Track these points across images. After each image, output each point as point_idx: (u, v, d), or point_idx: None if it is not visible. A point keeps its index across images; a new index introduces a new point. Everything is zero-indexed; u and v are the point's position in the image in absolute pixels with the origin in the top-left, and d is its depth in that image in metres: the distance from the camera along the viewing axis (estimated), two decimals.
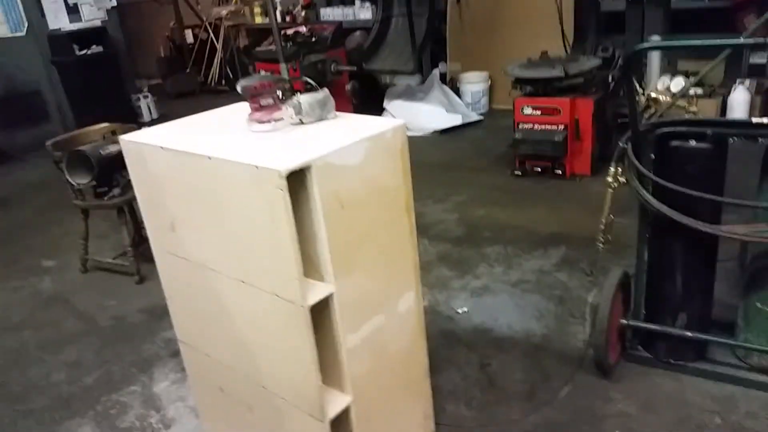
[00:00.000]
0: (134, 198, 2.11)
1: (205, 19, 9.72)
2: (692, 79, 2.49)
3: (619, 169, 2.42)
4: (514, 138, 4.65)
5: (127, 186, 3.27)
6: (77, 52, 7.01)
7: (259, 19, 8.82)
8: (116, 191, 3.68)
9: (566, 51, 5.24)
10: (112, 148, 3.48)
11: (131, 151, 1.99)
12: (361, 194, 1.69)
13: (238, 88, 1.84)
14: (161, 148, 1.83)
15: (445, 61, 6.99)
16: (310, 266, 1.65)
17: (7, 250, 4.53)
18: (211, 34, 9.58)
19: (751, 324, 2.38)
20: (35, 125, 7.04)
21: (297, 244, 1.54)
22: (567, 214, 4.03)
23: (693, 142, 2.19)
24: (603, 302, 2.43)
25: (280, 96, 1.86)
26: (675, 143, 2.22)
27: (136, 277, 3.74)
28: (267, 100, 1.80)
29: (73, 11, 7.39)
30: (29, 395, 2.86)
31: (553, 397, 2.46)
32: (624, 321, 2.52)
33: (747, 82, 4.78)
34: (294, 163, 1.49)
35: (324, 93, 1.86)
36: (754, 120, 2.11)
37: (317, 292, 1.64)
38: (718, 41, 2.09)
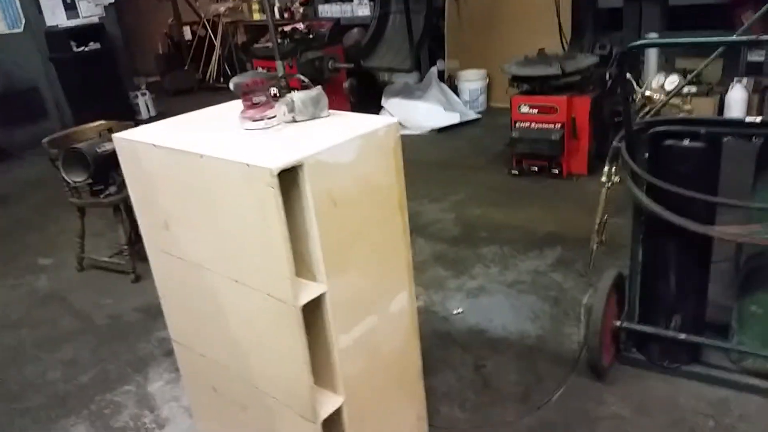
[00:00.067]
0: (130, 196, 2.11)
1: (203, 15, 9.69)
2: (686, 78, 2.47)
3: (614, 169, 2.42)
4: (510, 137, 4.65)
5: (123, 184, 3.24)
6: (75, 49, 6.99)
7: (257, 16, 8.81)
8: (112, 189, 3.67)
9: (563, 48, 5.22)
10: (108, 146, 3.47)
11: (124, 149, 1.98)
12: (354, 192, 1.69)
13: (231, 86, 1.84)
14: (154, 145, 1.83)
15: (443, 59, 6.97)
16: (302, 265, 1.65)
17: (5, 247, 4.53)
18: (210, 31, 9.56)
19: (745, 326, 2.38)
20: (33, 122, 7.03)
21: (288, 243, 1.54)
22: (563, 214, 4.03)
23: (687, 142, 2.19)
24: (596, 304, 2.42)
25: (277, 93, 1.85)
26: (669, 142, 2.22)
27: (131, 275, 3.74)
28: (260, 98, 1.80)
29: (70, 8, 7.37)
30: (26, 393, 2.86)
31: (546, 399, 2.46)
32: (618, 323, 2.52)
33: (744, 80, 4.78)
34: (285, 161, 1.48)
35: (317, 91, 1.85)
36: (748, 119, 2.10)
37: (309, 291, 1.64)
38: (712, 38, 2.09)
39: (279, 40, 5.76)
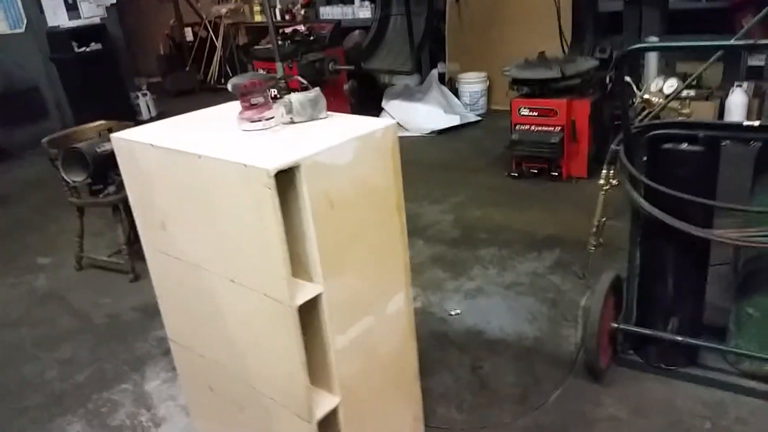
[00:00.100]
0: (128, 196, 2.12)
1: (204, 17, 9.71)
2: (685, 82, 2.47)
3: (612, 172, 2.42)
4: (510, 139, 4.65)
5: (123, 184, 3.25)
6: (76, 50, 6.99)
7: (258, 17, 8.83)
8: (111, 189, 3.68)
9: (564, 52, 5.23)
10: (107, 146, 3.48)
11: (122, 149, 1.99)
12: (351, 194, 1.69)
13: (229, 87, 1.84)
14: (151, 145, 1.83)
15: (444, 61, 6.98)
16: (299, 266, 1.65)
17: (4, 247, 4.53)
18: (211, 32, 9.58)
19: (742, 329, 2.38)
20: (34, 122, 7.04)
21: (285, 244, 1.54)
22: (563, 216, 4.03)
23: (685, 145, 2.19)
24: (594, 306, 2.42)
25: (276, 94, 1.86)
26: (667, 146, 2.22)
27: (130, 275, 3.74)
28: (258, 99, 1.80)
29: (72, 8, 7.38)
30: (24, 392, 2.87)
31: (544, 400, 2.46)
32: (615, 325, 2.52)
33: (745, 84, 4.78)
34: (282, 162, 1.49)
35: (315, 92, 1.86)
36: (745, 123, 2.11)
37: (306, 292, 1.64)
38: (709, 42, 2.09)
39: (280, 42, 5.77)
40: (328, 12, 7.58)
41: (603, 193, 2.58)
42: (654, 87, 2.51)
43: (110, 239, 4.07)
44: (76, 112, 7.07)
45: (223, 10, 9.39)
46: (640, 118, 2.56)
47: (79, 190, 3.72)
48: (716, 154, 2.22)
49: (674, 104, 2.60)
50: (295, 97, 1.82)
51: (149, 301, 3.32)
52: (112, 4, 7.80)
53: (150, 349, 3.07)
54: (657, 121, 2.38)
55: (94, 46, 7.15)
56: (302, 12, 7.89)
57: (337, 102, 5.84)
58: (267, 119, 1.80)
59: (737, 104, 4.70)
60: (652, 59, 4.83)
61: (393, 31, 6.52)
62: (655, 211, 2.18)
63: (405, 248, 1.94)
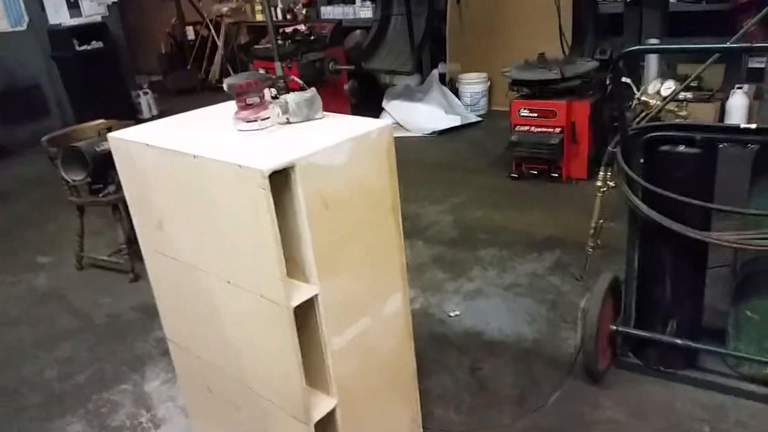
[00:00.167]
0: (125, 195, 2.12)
1: (206, 15, 9.71)
2: (682, 84, 2.47)
3: (609, 174, 2.42)
4: (510, 140, 4.65)
5: None
6: (77, 48, 6.99)
7: (259, 17, 8.82)
8: (111, 188, 3.68)
9: (564, 53, 5.23)
10: (107, 145, 3.44)
11: (119, 149, 1.99)
12: (346, 194, 1.69)
13: (225, 86, 1.85)
14: (147, 145, 1.83)
15: (445, 62, 6.98)
16: (294, 267, 1.65)
17: (4, 245, 4.54)
18: (212, 31, 9.58)
19: (741, 332, 2.38)
20: (35, 120, 7.04)
21: (280, 245, 1.54)
22: (562, 218, 4.03)
23: (682, 147, 2.19)
24: (592, 308, 2.42)
25: (275, 94, 1.86)
26: (664, 148, 2.22)
27: (130, 275, 3.74)
28: (253, 99, 1.80)
29: (73, 6, 7.37)
30: (23, 392, 2.87)
31: (542, 402, 2.46)
32: (614, 327, 2.52)
33: (745, 86, 4.77)
34: (277, 163, 1.49)
35: (311, 92, 1.86)
36: (743, 125, 2.10)
37: (301, 293, 1.64)
38: (704, 45, 2.09)
39: (280, 42, 5.77)
40: (329, 11, 7.57)
41: (600, 195, 2.58)
42: (651, 89, 2.51)
43: (110, 238, 4.07)
44: (77, 110, 7.07)
45: (225, 9, 9.38)
46: (638, 120, 2.56)
47: (79, 189, 3.72)
48: (714, 156, 2.22)
49: (671, 106, 2.60)
50: (291, 98, 1.82)
51: (149, 301, 3.30)
52: (113, 3, 7.79)
53: (150, 349, 3.08)
54: (654, 123, 2.38)
55: (96, 44, 7.15)
56: (303, 11, 7.89)
57: (338, 102, 5.84)
58: (263, 119, 1.80)
59: (738, 106, 4.69)
60: (652, 61, 4.83)
61: (394, 31, 6.52)
62: (653, 214, 2.18)
63: (401, 249, 1.94)
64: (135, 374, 2.90)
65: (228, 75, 9.43)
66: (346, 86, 6.16)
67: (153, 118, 7.55)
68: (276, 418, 1.88)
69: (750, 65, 4.92)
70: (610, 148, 2.36)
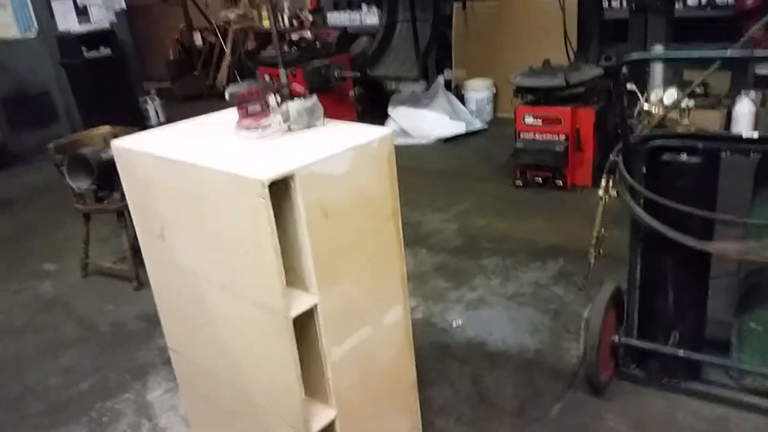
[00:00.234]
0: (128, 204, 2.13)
1: (213, 22, 9.75)
2: (684, 92, 2.46)
3: (611, 182, 2.41)
4: (515, 147, 4.64)
5: None
6: (86, 54, 7.05)
7: (266, 23, 8.76)
8: (116, 195, 3.69)
9: (569, 60, 5.22)
10: (112, 152, 3.50)
11: (122, 157, 2.01)
12: (346, 204, 1.70)
13: (226, 95, 1.86)
14: (149, 154, 1.85)
15: (450, 68, 6.98)
16: (294, 276, 1.66)
17: (10, 252, 4.57)
18: (220, 38, 9.61)
19: (744, 343, 2.36)
20: (43, 127, 7.10)
21: (279, 254, 1.55)
22: (567, 226, 4.01)
23: (684, 156, 2.17)
24: (593, 319, 2.41)
25: (279, 102, 1.86)
26: (666, 157, 2.21)
27: (134, 282, 3.76)
28: (255, 107, 1.81)
29: (82, 13, 7.42)
30: (27, 400, 2.89)
31: (544, 414, 2.45)
32: (616, 338, 2.50)
33: (752, 93, 4.73)
34: (277, 172, 1.49)
35: (313, 100, 1.87)
36: (745, 134, 2.09)
37: (301, 303, 1.65)
38: (705, 53, 2.08)
39: (286, 48, 5.79)
40: (335, 18, 7.60)
41: (602, 203, 2.57)
42: (654, 97, 2.49)
43: (116, 246, 4.10)
44: (86, 116, 7.11)
45: (232, 15, 9.42)
46: (641, 128, 2.55)
47: (84, 197, 3.74)
48: (716, 165, 2.20)
49: (674, 114, 2.58)
50: (292, 105, 1.83)
51: (152, 310, 3.29)
52: (122, 9, 7.85)
53: (152, 358, 3.08)
54: (656, 132, 2.37)
55: (104, 51, 7.20)
56: (310, 18, 7.91)
57: (343, 109, 5.85)
58: (264, 127, 1.81)
59: (744, 113, 4.65)
60: (657, 67, 4.80)
61: (399, 37, 6.54)
62: (655, 223, 2.16)
63: (402, 258, 1.94)
64: (137, 383, 2.91)
65: (236, 81, 9.48)
66: (351, 93, 6.18)
67: (160, 124, 7.62)
68: (276, 428, 1.88)
69: (757, 72, 4.88)
70: (612, 156, 2.35)
